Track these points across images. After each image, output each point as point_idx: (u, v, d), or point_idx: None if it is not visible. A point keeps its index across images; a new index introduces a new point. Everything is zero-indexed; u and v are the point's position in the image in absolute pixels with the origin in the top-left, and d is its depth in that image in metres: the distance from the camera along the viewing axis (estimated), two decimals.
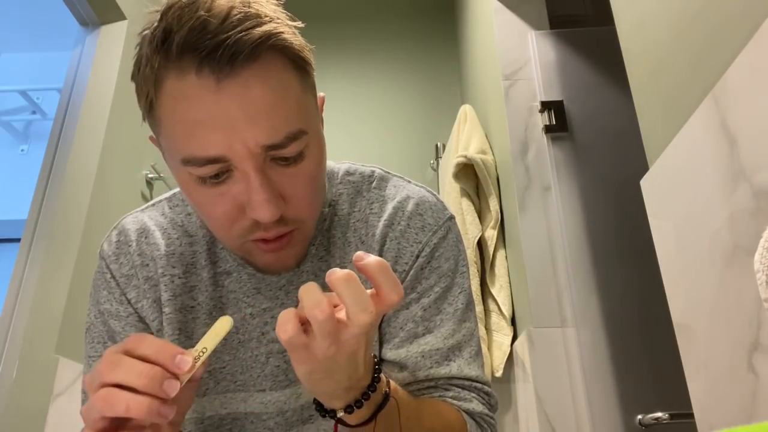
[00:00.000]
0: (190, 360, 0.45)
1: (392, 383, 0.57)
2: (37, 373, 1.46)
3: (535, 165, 1.56)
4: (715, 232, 0.67)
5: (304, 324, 0.46)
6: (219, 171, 0.53)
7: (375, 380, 0.53)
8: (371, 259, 0.45)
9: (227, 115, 0.50)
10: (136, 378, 0.43)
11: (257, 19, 0.51)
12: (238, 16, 0.50)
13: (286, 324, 0.44)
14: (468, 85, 2.41)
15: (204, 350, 0.46)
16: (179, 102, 0.51)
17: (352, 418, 0.53)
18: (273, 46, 0.52)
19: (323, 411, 0.54)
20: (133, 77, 0.55)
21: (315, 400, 0.54)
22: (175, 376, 0.44)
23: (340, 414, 0.52)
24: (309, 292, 0.45)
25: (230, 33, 0.49)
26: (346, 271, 0.45)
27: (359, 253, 0.46)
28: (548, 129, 1.57)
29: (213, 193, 0.54)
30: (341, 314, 0.46)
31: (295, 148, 0.54)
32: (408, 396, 0.60)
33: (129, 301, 0.68)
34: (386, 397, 0.55)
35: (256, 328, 0.66)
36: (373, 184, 0.72)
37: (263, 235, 0.57)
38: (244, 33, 0.50)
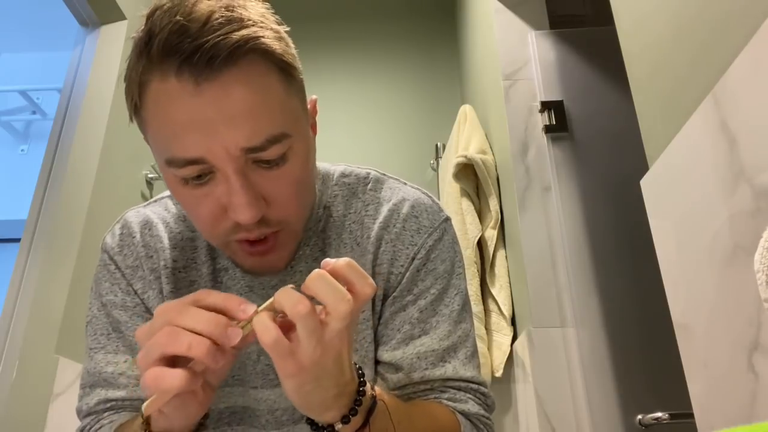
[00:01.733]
0: (254, 307, 0.46)
1: (377, 388, 0.57)
2: (37, 373, 1.46)
3: (535, 165, 1.56)
4: (715, 232, 0.67)
5: (285, 332, 0.46)
6: (201, 172, 0.53)
7: (361, 384, 0.53)
8: (338, 261, 0.47)
9: (206, 118, 0.51)
10: (202, 323, 0.45)
11: (239, 23, 0.52)
12: (219, 20, 0.51)
13: (268, 329, 0.44)
14: (468, 85, 2.41)
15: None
16: (161, 104, 0.52)
17: (347, 427, 0.52)
18: (253, 50, 0.52)
19: (318, 428, 0.53)
20: (124, 79, 0.56)
21: (308, 419, 0.53)
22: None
23: (338, 427, 0.52)
24: (286, 292, 0.45)
25: (209, 37, 0.50)
26: (315, 270, 0.46)
27: (325, 260, 0.47)
28: (548, 129, 1.57)
29: (196, 194, 0.55)
30: (321, 316, 0.46)
31: (276, 150, 0.54)
32: (395, 400, 0.59)
33: (135, 292, 0.68)
34: (374, 400, 0.55)
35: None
36: (369, 186, 0.73)
37: (246, 236, 0.57)
38: (222, 37, 0.50)
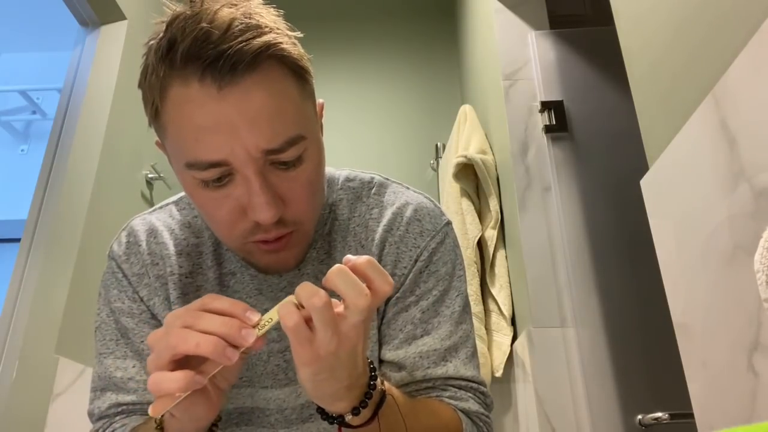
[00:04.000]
0: (258, 314, 0.48)
1: (386, 383, 0.58)
2: (37, 373, 1.46)
3: (535, 165, 1.56)
4: (715, 232, 0.67)
5: (308, 323, 0.47)
6: (221, 175, 0.55)
7: (372, 378, 0.54)
8: (359, 258, 0.48)
9: (229, 121, 0.52)
10: (216, 325, 0.47)
11: (258, 29, 0.53)
12: (239, 27, 0.52)
13: (291, 314, 0.46)
14: (468, 85, 2.41)
15: (270, 320, 0.48)
16: (183, 108, 0.53)
17: (356, 419, 0.54)
18: (272, 56, 0.54)
19: (328, 417, 0.54)
20: (140, 85, 0.57)
21: (318, 408, 0.54)
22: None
23: (348, 418, 0.53)
24: (304, 285, 0.47)
25: (232, 43, 0.51)
26: (336, 265, 0.48)
27: (347, 256, 0.49)
28: (548, 129, 1.57)
29: (216, 196, 0.56)
30: (339, 309, 0.48)
31: (293, 152, 0.56)
32: (403, 396, 0.61)
33: (141, 299, 0.69)
34: (383, 395, 0.56)
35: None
36: (373, 190, 0.74)
37: (264, 236, 0.59)
38: (244, 43, 0.52)
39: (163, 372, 0.46)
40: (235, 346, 0.47)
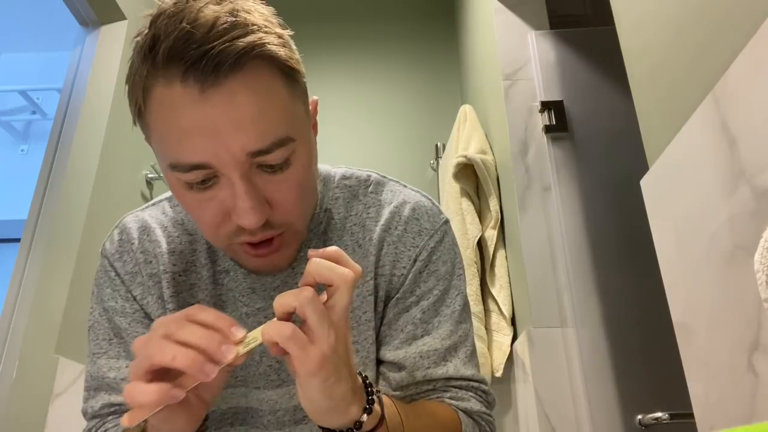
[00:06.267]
0: (244, 331, 0.48)
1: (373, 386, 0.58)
2: (37, 373, 1.46)
3: (535, 165, 1.56)
4: (715, 232, 0.67)
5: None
6: (205, 177, 0.54)
7: (363, 376, 0.55)
8: (326, 249, 0.50)
9: (211, 123, 0.51)
10: (197, 337, 0.46)
11: (244, 28, 0.52)
12: (224, 26, 0.50)
13: (283, 325, 0.46)
14: (468, 85, 2.41)
15: (255, 339, 0.48)
16: (166, 109, 0.52)
17: (371, 419, 0.53)
18: (258, 56, 0.52)
19: (345, 430, 0.53)
20: (127, 81, 0.56)
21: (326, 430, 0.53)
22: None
23: (364, 418, 0.52)
24: (284, 293, 0.48)
25: (215, 43, 0.50)
26: (310, 260, 0.49)
27: (310, 251, 0.50)
28: (548, 129, 1.57)
29: (200, 198, 0.55)
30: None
31: (281, 154, 0.54)
32: (394, 399, 0.61)
33: (134, 298, 0.69)
34: (379, 394, 0.56)
35: (251, 328, 0.67)
36: (370, 189, 0.73)
37: (249, 239, 0.58)
38: (228, 43, 0.50)
39: (138, 383, 0.45)
40: (215, 362, 0.46)
